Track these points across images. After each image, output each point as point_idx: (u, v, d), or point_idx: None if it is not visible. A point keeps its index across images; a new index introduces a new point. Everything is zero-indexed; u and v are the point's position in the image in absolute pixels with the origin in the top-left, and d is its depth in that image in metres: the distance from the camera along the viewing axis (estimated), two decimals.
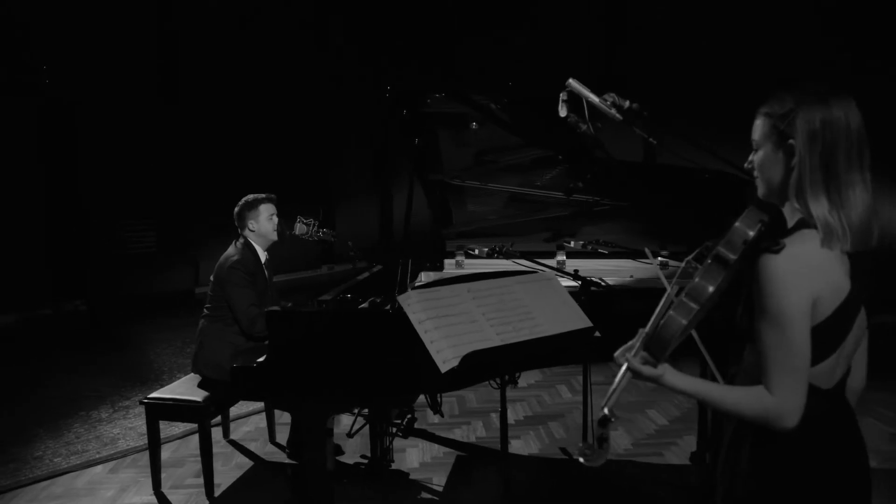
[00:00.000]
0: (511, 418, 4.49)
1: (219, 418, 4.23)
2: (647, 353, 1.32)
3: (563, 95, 2.07)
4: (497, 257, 3.34)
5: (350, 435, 4.15)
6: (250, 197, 3.82)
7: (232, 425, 4.37)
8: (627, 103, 2.05)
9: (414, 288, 2.30)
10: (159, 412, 3.51)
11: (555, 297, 2.43)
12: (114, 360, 5.93)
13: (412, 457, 3.98)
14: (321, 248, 11.26)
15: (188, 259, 8.72)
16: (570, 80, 1.99)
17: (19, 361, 6.19)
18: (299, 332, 2.79)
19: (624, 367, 1.35)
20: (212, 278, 3.75)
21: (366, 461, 3.92)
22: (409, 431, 4.17)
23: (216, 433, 4.27)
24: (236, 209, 3.82)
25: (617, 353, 1.38)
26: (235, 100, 8.75)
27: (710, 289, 1.31)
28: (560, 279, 2.68)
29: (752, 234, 1.29)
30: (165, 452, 4.04)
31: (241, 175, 9.09)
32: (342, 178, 10.36)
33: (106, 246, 8.12)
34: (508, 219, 4.21)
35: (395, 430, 4.00)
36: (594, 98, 2.02)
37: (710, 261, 1.33)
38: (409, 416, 4.18)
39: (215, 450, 4.09)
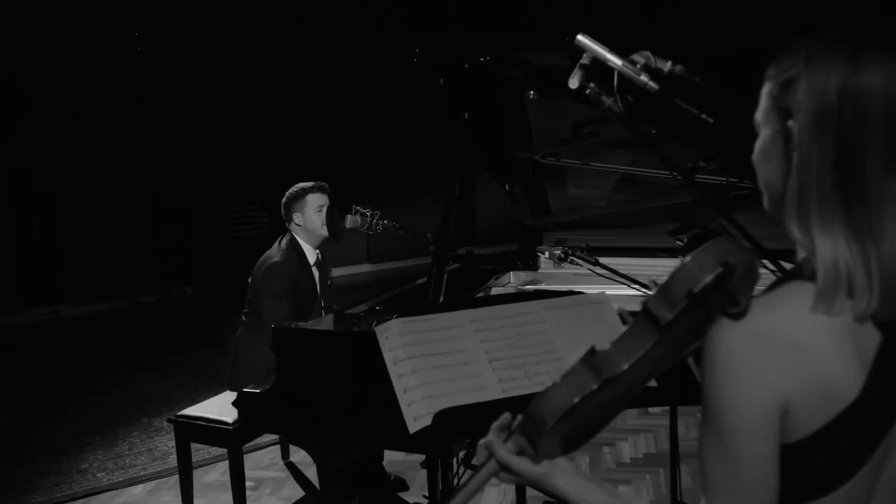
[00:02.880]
0: (618, 459, 4.11)
1: (276, 437, 4.23)
2: (526, 440, 1.04)
3: (584, 59, 1.70)
4: (571, 262, 2.97)
5: (424, 465, 3.97)
6: (292, 189, 3.72)
7: (293, 446, 4.35)
8: (668, 65, 1.64)
9: (398, 316, 2.04)
10: (189, 433, 3.52)
11: (599, 330, 2.07)
12: (201, 357, 6.18)
13: (490, 499, 3.73)
14: (456, 227, 11.28)
15: None
16: (579, 36, 1.62)
17: (111, 351, 6.68)
18: (306, 354, 2.65)
19: (486, 458, 1.08)
20: (250, 280, 3.70)
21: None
22: None
23: (272, 453, 4.27)
24: (283, 200, 3.74)
25: (488, 437, 1.09)
26: (343, 69, 8.84)
27: (625, 365, 1.00)
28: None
29: (703, 281, 0.94)
30: (214, 473, 4.10)
31: (360, 148, 9.27)
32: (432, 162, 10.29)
33: (213, 228, 8.53)
34: (621, 206, 3.85)
35: (462, 464, 3.76)
36: (614, 60, 1.63)
37: (639, 315, 1.01)
38: None
39: (269, 474, 4.10)
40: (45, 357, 6.67)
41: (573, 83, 1.68)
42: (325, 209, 3.68)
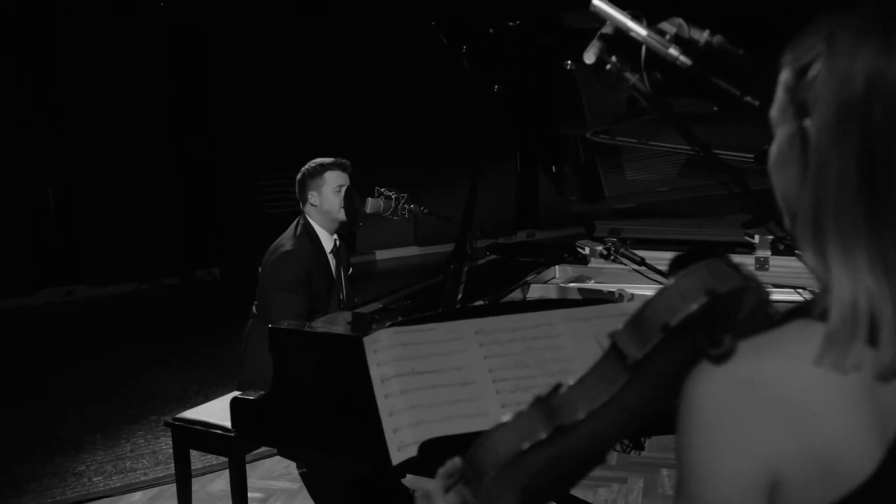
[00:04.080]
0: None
1: None
2: (469, 491, 0.98)
3: (605, 28, 1.58)
4: (612, 259, 2.85)
5: None
6: (310, 164, 3.66)
7: None
8: (706, 35, 1.51)
9: (391, 325, 1.95)
10: (187, 438, 3.51)
11: None
12: (224, 348, 6.23)
13: None
14: (516, 209, 11.19)
15: None
16: (595, 1, 1.50)
17: (127, 337, 6.76)
18: (304, 358, 2.60)
19: None
20: (260, 269, 3.67)
21: None
22: None
23: (285, 461, 4.26)
24: (298, 177, 3.69)
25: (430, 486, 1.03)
26: (384, 30, 8.78)
27: (583, 412, 0.93)
28: None
29: (683, 312, 0.86)
30: (220, 482, 4.11)
31: (406, 116, 9.22)
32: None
33: (243, 204, 8.59)
34: (687, 192, 3.71)
35: None
36: (638, 30, 1.50)
37: (606, 351, 0.94)
38: None
39: (280, 484, 4.10)
40: (56, 343, 6.83)
41: (589, 57, 1.56)
42: (344, 189, 3.61)
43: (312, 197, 3.63)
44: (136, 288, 8.32)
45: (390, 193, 3.59)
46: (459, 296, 2.59)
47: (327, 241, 3.67)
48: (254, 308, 3.73)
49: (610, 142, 3.68)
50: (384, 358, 1.89)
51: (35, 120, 7.79)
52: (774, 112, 0.91)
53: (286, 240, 3.60)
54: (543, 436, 0.92)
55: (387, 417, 1.79)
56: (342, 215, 3.63)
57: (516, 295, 3.31)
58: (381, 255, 10.18)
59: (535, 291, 3.41)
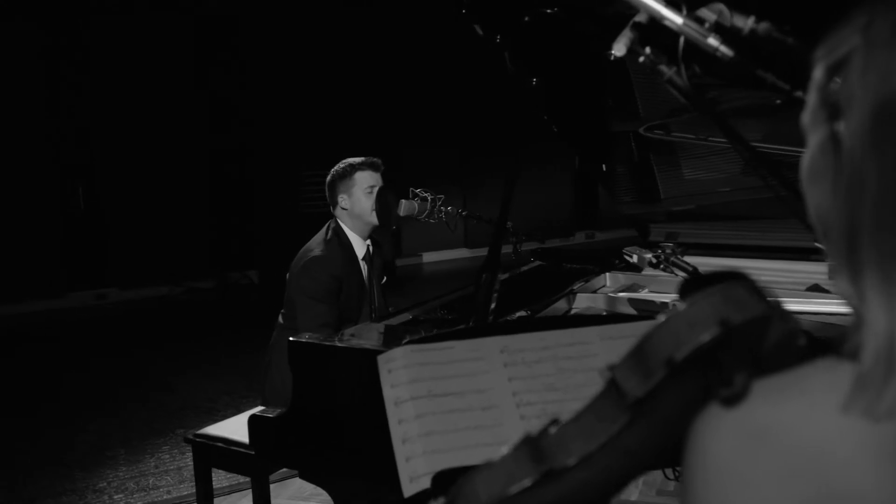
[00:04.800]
0: None
1: None
2: None
3: (638, 17, 1.51)
4: (662, 268, 2.76)
5: None
6: (340, 165, 3.64)
7: None
8: (750, 22, 1.43)
9: (408, 342, 1.91)
10: (209, 456, 3.51)
11: None
12: (260, 355, 6.24)
13: None
14: (574, 210, 11.09)
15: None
16: None
17: (157, 343, 6.86)
18: (325, 375, 2.58)
19: None
20: (288, 275, 3.66)
21: None
22: None
23: None
24: (328, 179, 3.67)
25: None
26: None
27: (574, 458, 0.87)
28: None
29: (690, 345, 0.80)
30: (247, 502, 4.11)
31: (447, 112, 9.18)
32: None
33: (280, 203, 8.63)
34: (751, 192, 3.62)
35: None
36: (673, 18, 1.43)
37: (605, 386, 0.89)
38: None
39: None
40: (83, 349, 6.94)
41: (619, 49, 1.49)
42: (376, 190, 3.58)
43: (343, 200, 3.61)
44: (168, 291, 8.42)
45: (426, 195, 3.55)
46: (492, 306, 2.53)
47: (359, 246, 3.64)
48: (280, 317, 3.72)
49: (666, 138, 3.59)
50: (399, 379, 1.84)
51: (64, 115, 7.92)
52: (806, 117, 0.84)
53: (315, 245, 3.58)
54: (528, 483, 0.87)
55: (399, 445, 1.74)
56: (374, 218, 3.59)
57: (561, 305, 3.24)
58: (428, 257, 10.17)
59: (582, 301, 3.34)
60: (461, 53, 8.84)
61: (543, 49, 2.72)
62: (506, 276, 3.61)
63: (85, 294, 8.28)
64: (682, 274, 2.73)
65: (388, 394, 1.84)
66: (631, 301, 3.28)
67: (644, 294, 3.44)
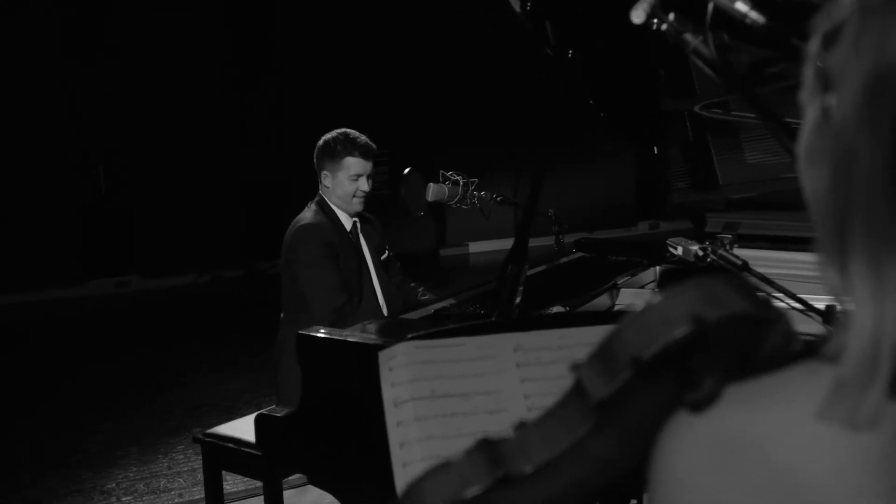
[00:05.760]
0: None
1: None
2: None
3: None
4: (710, 262, 2.71)
5: None
6: (334, 136, 3.66)
7: None
8: None
9: (412, 338, 1.90)
10: (218, 457, 3.54)
11: None
12: None
13: None
14: (637, 197, 11.00)
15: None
16: None
17: (179, 335, 6.96)
18: (335, 371, 2.59)
19: None
20: (280, 262, 3.70)
21: None
22: None
23: None
24: (317, 146, 3.72)
25: None
26: None
27: (530, 465, 0.85)
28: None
29: (658, 343, 0.78)
30: None
31: (490, 90, 9.15)
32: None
33: (314, 189, 8.67)
34: None
35: None
36: None
37: (570, 387, 0.88)
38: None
39: None
40: (101, 339, 7.07)
41: (638, 16, 1.46)
42: (363, 179, 3.60)
43: (325, 177, 3.65)
44: (193, 280, 8.52)
45: (458, 178, 3.54)
46: (517, 301, 2.51)
47: (346, 220, 3.68)
48: (283, 314, 3.75)
49: (725, 117, 3.54)
50: (400, 377, 1.83)
51: (83, 91, 8.04)
52: (803, 94, 0.82)
53: (301, 217, 3.63)
54: (478, 489, 0.85)
55: (396, 449, 1.73)
56: (356, 206, 3.65)
57: (602, 301, 3.21)
58: (474, 247, 10.15)
59: (626, 297, 3.30)
60: (502, 38, 8.86)
61: (585, 21, 2.69)
62: (542, 268, 3.60)
63: (104, 282, 8.41)
64: (730, 269, 2.67)
65: (388, 394, 1.83)
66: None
67: None
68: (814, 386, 0.73)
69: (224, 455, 3.52)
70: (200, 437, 3.60)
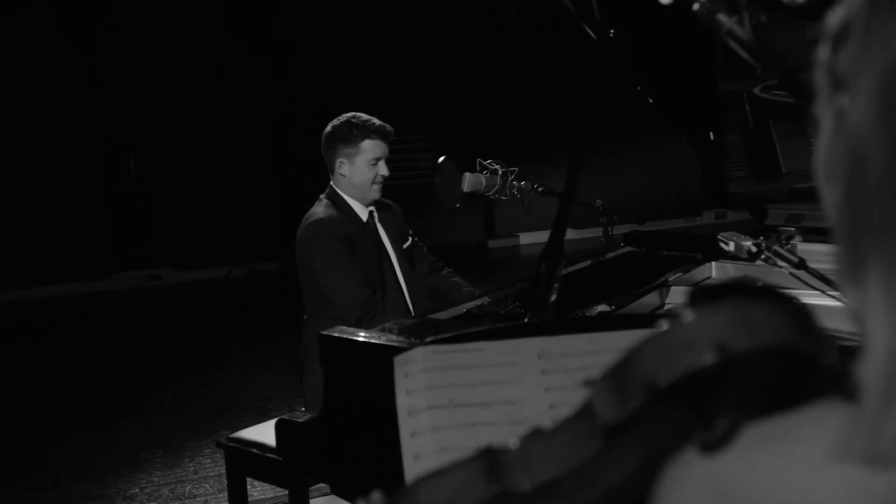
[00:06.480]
0: None
1: None
2: None
3: None
4: (765, 259, 2.65)
5: None
6: (346, 120, 3.62)
7: None
8: None
9: (430, 342, 1.88)
10: (242, 462, 3.56)
11: None
12: None
13: None
14: (704, 185, 10.88)
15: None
16: None
17: (211, 331, 7.05)
18: (359, 374, 2.57)
19: None
20: (296, 262, 3.69)
21: None
22: None
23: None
24: (325, 132, 3.67)
25: None
26: None
27: (532, 481, 0.85)
28: None
29: (672, 372, 0.76)
30: None
31: (535, 74, 9.09)
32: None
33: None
34: None
35: None
36: None
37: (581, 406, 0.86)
38: None
39: None
40: (129, 335, 7.17)
41: None
42: (381, 163, 3.56)
43: (341, 165, 3.59)
44: (228, 273, 8.58)
45: (496, 166, 3.51)
46: (553, 298, 2.48)
47: (361, 211, 3.64)
48: (305, 315, 3.75)
49: (789, 100, 3.47)
50: (416, 384, 1.82)
51: (110, 76, 8.12)
52: (817, 103, 0.79)
53: (312, 213, 3.61)
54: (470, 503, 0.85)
55: (410, 461, 1.72)
56: (375, 193, 3.59)
57: (650, 300, 3.16)
58: (525, 238, 10.12)
59: (677, 296, 3.25)
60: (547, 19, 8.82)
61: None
62: (587, 263, 3.56)
63: (135, 275, 8.52)
64: (786, 267, 2.61)
65: (402, 402, 1.82)
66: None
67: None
68: (828, 427, 0.70)
69: (248, 461, 3.53)
70: (224, 441, 3.62)
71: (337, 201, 3.61)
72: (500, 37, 8.98)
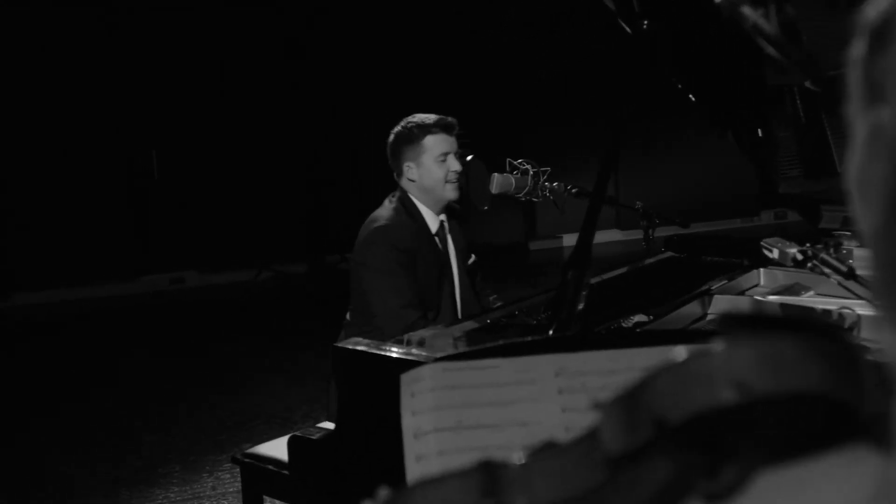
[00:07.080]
0: None
1: None
2: None
3: None
4: (811, 267, 2.59)
5: None
6: (404, 123, 3.59)
7: None
8: None
9: (440, 358, 1.85)
10: (258, 480, 3.55)
11: None
12: None
13: None
14: (761, 185, 10.79)
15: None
16: None
17: (237, 337, 7.12)
18: (373, 388, 2.55)
19: None
20: (350, 260, 3.67)
21: None
22: None
23: None
24: (389, 140, 3.63)
25: None
26: None
27: (528, 500, 0.83)
28: None
29: (684, 409, 0.73)
30: None
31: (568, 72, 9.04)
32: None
33: (388, 177, 8.70)
34: None
35: None
36: None
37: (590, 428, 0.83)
38: None
39: None
40: (150, 341, 7.20)
41: None
42: (451, 158, 3.51)
43: (409, 169, 3.55)
44: (254, 276, 8.60)
45: (527, 167, 3.48)
46: (580, 308, 2.44)
47: (432, 220, 3.59)
48: (347, 315, 3.71)
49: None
50: (422, 405, 1.78)
51: (131, 71, 8.17)
52: (850, 107, 0.74)
53: (379, 215, 3.55)
54: None
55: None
56: (451, 193, 3.53)
57: (691, 310, 3.11)
58: (569, 240, 10.07)
59: (721, 305, 3.20)
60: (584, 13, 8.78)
61: None
62: (623, 270, 3.51)
63: (159, 278, 8.56)
64: (833, 276, 2.54)
65: (408, 423, 1.78)
66: (784, 307, 3.11)
67: (806, 298, 3.27)
68: (853, 478, 0.66)
69: (264, 478, 3.52)
70: (239, 457, 3.61)
71: (407, 205, 3.56)
72: (535, 34, 8.95)
